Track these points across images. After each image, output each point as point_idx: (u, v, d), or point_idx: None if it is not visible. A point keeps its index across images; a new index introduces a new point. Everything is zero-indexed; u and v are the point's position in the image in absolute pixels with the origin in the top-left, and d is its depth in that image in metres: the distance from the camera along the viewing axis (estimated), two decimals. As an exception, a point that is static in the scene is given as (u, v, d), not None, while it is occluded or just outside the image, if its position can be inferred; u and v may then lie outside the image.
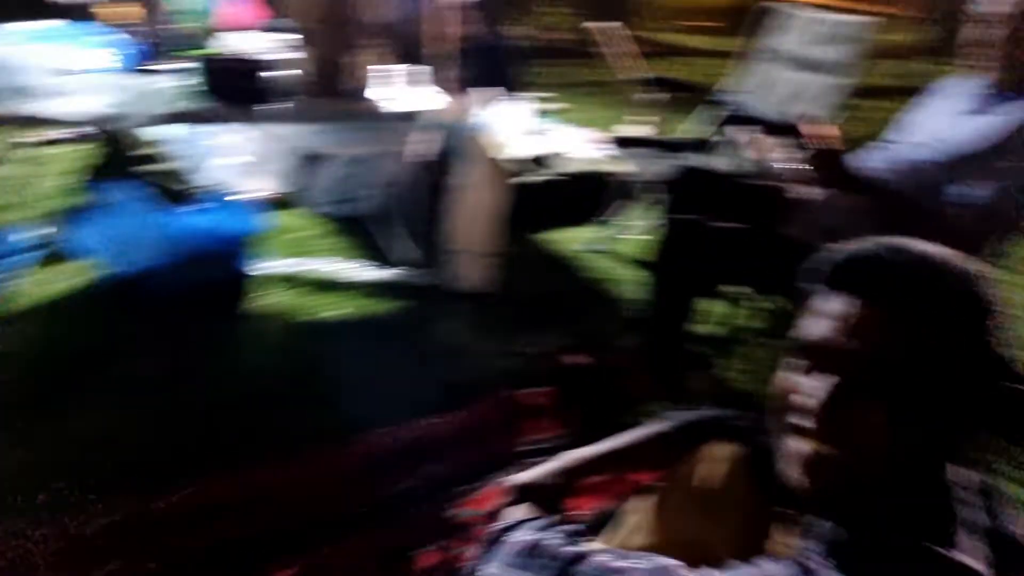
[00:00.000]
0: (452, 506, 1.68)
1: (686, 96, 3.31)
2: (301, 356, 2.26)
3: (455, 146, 3.39)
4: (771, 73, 2.82)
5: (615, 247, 3.19)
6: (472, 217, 2.59)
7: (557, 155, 3.81)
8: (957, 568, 0.68)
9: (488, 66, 4.05)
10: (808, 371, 0.78)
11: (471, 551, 1.55)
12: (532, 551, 0.91)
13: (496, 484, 1.75)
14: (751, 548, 1.05)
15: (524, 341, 2.37)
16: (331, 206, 3.18)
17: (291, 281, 2.64)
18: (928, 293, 0.73)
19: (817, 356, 0.77)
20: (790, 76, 2.73)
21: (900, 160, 1.80)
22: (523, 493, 1.15)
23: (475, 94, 3.64)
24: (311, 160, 3.24)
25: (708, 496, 1.09)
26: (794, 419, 0.78)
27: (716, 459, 1.11)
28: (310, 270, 2.71)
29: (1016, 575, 0.74)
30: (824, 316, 0.77)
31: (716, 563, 0.95)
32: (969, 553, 0.70)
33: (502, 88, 3.97)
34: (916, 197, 1.69)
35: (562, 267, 3.00)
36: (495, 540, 1.00)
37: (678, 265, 1.82)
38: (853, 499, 0.74)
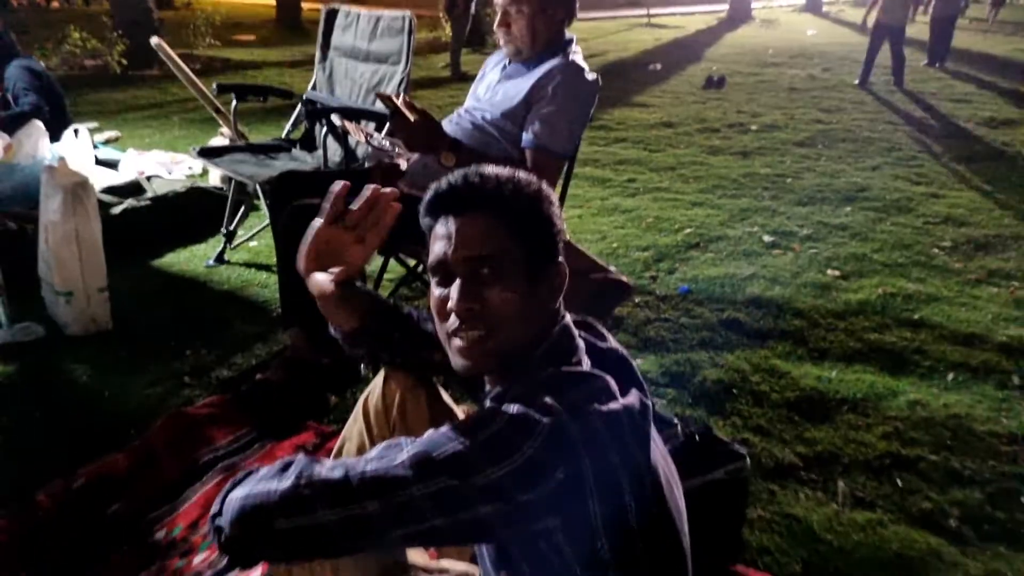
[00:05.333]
0: (160, 528, 1.67)
1: (271, 102, 3.43)
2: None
3: (25, 185, 3.08)
4: (343, 67, 3.10)
5: (239, 255, 3.21)
6: (69, 253, 2.42)
7: (145, 179, 3.65)
8: (579, 376, 0.98)
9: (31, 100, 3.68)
10: (441, 283, 1.02)
11: (192, 564, 1.58)
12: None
13: (195, 496, 1.78)
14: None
15: (176, 367, 2.34)
16: None
17: None
18: (499, 195, 0.99)
19: (442, 269, 1.01)
20: (359, 68, 3.03)
21: (464, 121, 2.20)
22: None
23: (24, 131, 3.32)
24: None
25: (400, 422, 1.32)
26: (449, 324, 1.01)
27: (391, 385, 1.34)
28: None
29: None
30: (437, 239, 1.02)
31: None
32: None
33: (50, 122, 3.65)
34: (483, 148, 2.10)
35: (189, 287, 2.93)
36: None
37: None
38: (503, 360, 1.01)
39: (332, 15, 3.17)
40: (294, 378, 2.18)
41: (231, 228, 3.13)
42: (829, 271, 3.28)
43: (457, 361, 1.02)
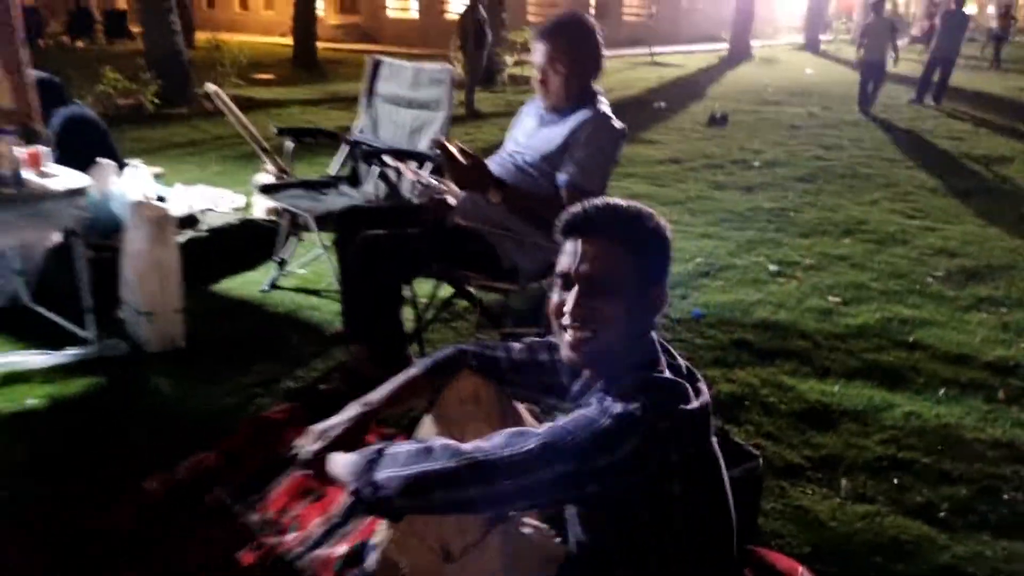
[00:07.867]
0: (253, 513, 1.93)
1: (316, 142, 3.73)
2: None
3: (106, 216, 3.38)
4: (386, 112, 3.42)
5: (290, 281, 3.50)
6: (152, 278, 2.71)
7: (200, 213, 3.96)
8: (666, 382, 1.22)
9: (91, 139, 4.00)
10: (562, 288, 1.28)
11: (280, 545, 1.84)
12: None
13: (280, 487, 2.04)
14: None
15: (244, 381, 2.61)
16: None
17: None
18: (624, 226, 1.25)
19: (565, 278, 1.27)
20: (402, 113, 3.35)
21: (507, 163, 2.50)
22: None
23: (98, 168, 3.63)
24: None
25: (473, 408, 1.59)
26: (563, 321, 1.26)
27: (468, 382, 1.61)
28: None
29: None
30: (566, 254, 1.27)
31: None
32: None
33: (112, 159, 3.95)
34: (524, 186, 2.39)
35: (248, 309, 3.22)
36: None
37: (376, 272, 2.28)
38: (603, 359, 1.27)
39: (377, 66, 3.51)
40: (354, 388, 2.44)
41: (284, 257, 3.42)
42: (831, 297, 3.56)
43: (565, 352, 1.28)
